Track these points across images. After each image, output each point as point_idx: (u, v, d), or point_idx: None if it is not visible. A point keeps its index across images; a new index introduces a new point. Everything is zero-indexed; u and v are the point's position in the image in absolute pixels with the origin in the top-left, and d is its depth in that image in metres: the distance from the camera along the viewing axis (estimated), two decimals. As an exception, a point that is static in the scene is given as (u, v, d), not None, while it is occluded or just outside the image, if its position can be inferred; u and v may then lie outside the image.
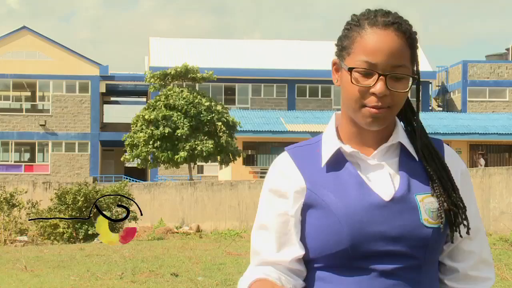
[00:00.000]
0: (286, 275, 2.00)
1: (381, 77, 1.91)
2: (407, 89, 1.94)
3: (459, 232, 1.99)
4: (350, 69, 1.95)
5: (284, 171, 2.04)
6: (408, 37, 1.96)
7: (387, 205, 1.94)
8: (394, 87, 1.93)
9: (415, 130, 2.04)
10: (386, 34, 1.94)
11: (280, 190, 2.03)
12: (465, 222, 1.99)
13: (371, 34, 1.95)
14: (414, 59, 1.98)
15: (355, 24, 1.98)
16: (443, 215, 1.95)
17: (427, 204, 1.96)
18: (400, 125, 2.06)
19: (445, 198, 1.97)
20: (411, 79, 1.95)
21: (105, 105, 56.44)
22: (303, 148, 2.08)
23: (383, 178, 1.98)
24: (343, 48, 2.00)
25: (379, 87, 1.91)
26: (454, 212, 1.97)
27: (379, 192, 1.96)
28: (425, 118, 42.08)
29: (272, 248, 2.00)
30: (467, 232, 1.99)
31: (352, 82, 1.94)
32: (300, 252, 2.00)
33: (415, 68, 1.98)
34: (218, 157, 34.17)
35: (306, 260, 2.02)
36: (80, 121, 49.74)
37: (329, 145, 2.03)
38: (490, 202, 16.76)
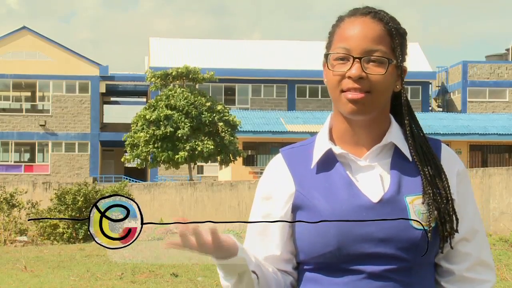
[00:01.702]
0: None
1: (356, 60, 1.94)
2: (384, 73, 1.94)
3: (450, 242, 1.97)
4: (326, 55, 2.01)
5: (274, 174, 2.07)
6: (385, 24, 1.98)
7: (375, 206, 1.94)
8: (371, 71, 1.94)
9: (411, 130, 2.03)
10: (362, 21, 1.98)
11: (267, 193, 2.06)
12: (453, 231, 1.96)
13: (348, 23, 2.00)
14: (395, 47, 1.97)
15: (338, 20, 2.04)
16: (431, 221, 1.93)
17: (416, 206, 1.94)
18: (395, 124, 2.04)
19: (435, 201, 1.94)
20: (389, 64, 1.95)
21: (105, 105, 56.43)
22: (297, 149, 2.09)
23: (372, 180, 1.98)
24: (327, 45, 2.04)
25: (354, 69, 1.93)
26: (443, 217, 1.94)
27: (368, 193, 1.95)
28: (425, 118, 42.05)
29: (256, 251, 2.02)
30: (450, 243, 1.96)
31: (328, 68, 1.98)
32: (282, 255, 2.02)
33: (399, 56, 1.98)
34: (218, 157, 34.18)
35: (297, 262, 2.04)
36: (80, 121, 49.73)
37: (320, 146, 2.04)
38: (490, 202, 16.75)
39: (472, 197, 2.06)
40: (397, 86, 2.01)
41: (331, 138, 2.05)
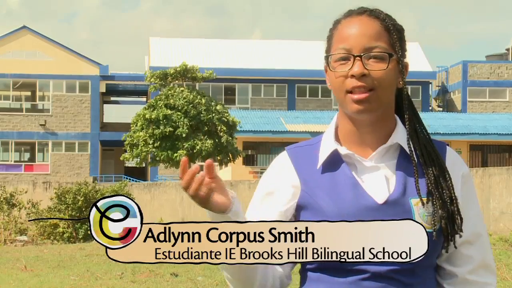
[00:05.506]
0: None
1: (356, 58, 1.95)
2: (386, 67, 1.95)
3: (454, 242, 1.97)
4: (326, 57, 2.01)
5: (279, 171, 2.07)
6: (382, 21, 1.99)
7: (380, 208, 1.94)
8: (373, 67, 1.95)
9: (416, 131, 2.04)
10: (358, 20, 2.00)
11: (270, 188, 2.06)
12: (458, 230, 1.96)
13: (345, 24, 2.01)
14: (394, 42, 1.99)
15: (334, 23, 2.05)
16: (436, 221, 1.94)
17: (421, 208, 1.95)
18: (400, 125, 2.05)
19: (440, 203, 1.95)
20: (390, 59, 1.96)
21: (105, 105, 56.43)
22: (302, 149, 2.09)
23: (378, 181, 1.98)
24: (326, 49, 2.05)
25: (356, 67, 1.94)
26: (448, 219, 1.95)
27: (373, 195, 1.96)
28: (425, 118, 41.78)
29: None
30: (454, 243, 1.97)
31: (330, 70, 1.98)
32: None
33: (399, 51, 1.99)
34: (218, 157, 34.18)
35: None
36: (80, 121, 49.73)
37: (326, 146, 2.04)
38: (490, 202, 16.75)
39: (475, 201, 2.07)
40: (400, 82, 2.01)
41: (337, 139, 2.05)
